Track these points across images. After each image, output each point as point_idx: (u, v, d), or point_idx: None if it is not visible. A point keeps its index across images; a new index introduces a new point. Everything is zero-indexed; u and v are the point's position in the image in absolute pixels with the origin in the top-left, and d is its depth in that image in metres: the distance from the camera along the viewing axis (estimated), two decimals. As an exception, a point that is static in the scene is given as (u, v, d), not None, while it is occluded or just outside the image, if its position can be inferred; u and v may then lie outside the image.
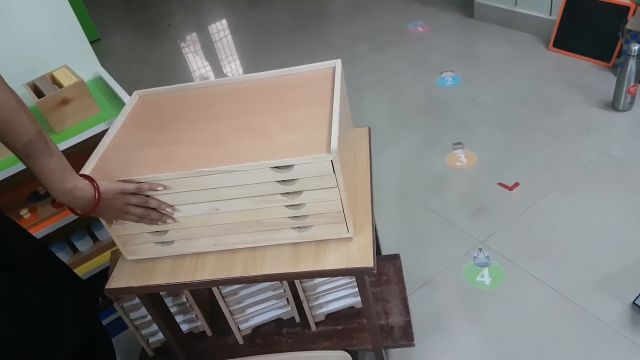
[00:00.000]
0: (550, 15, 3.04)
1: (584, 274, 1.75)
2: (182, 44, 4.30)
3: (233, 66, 3.84)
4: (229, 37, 4.28)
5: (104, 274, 1.69)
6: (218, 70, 3.80)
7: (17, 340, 1.08)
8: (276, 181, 1.03)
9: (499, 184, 2.18)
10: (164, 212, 1.08)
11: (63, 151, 1.50)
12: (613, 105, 2.46)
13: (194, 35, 4.46)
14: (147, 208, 1.06)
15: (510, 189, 2.15)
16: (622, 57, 2.46)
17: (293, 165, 1.01)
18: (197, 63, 3.98)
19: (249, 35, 4.19)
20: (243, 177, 1.03)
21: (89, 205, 0.98)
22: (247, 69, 3.73)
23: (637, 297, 1.62)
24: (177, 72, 3.85)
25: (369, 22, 3.87)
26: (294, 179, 1.03)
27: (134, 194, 1.04)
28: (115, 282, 1.17)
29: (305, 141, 1.04)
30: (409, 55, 3.32)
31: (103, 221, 1.11)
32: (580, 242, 1.87)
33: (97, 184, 0.98)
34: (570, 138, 2.35)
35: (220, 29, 4.46)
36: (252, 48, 3.99)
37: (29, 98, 1.66)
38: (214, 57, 4.02)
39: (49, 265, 1.24)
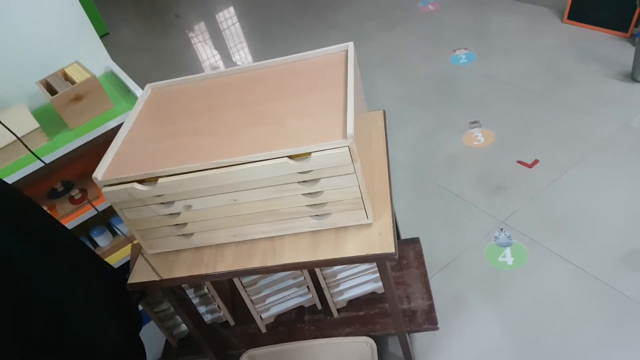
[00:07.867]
0: (565, -15, 2.96)
1: (608, 249, 1.72)
2: (191, 34, 4.27)
3: (242, 53, 3.81)
4: (237, 24, 4.25)
5: (125, 268, 1.70)
6: (227, 59, 3.78)
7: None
8: (293, 170, 1.02)
9: (518, 161, 2.15)
10: None
11: (78, 148, 1.53)
12: (632, 76, 2.39)
13: (202, 24, 4.43)
14: None
15: (530, 166, 2.11)
16: (641, 26, 2.39)
17: (310, 153, 0.99)
18: (206, 52, 3.96)
19: (255, 20, 4.15)
20: (260, 166, 1.02)
21: None
22: (256, 55, 3.70)
23: (664, 271, 1.59)
24: (187, 62, 3.83)
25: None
26: (312, 167, 1.01)
27: None
28: (137, 276, 1.18)
29: (321, 127, 1.03)
30: (420, 33, 3.26)
31: (122, 217, 1.11)
32: (603, 218, 1.83)
33: None
34: (590, 111, 2.30)
35: (228, 17, 4.42)
36: (259, 33, 3.95)
37: (42, 96, 1.66)
38: (222, 45, 3.99)
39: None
